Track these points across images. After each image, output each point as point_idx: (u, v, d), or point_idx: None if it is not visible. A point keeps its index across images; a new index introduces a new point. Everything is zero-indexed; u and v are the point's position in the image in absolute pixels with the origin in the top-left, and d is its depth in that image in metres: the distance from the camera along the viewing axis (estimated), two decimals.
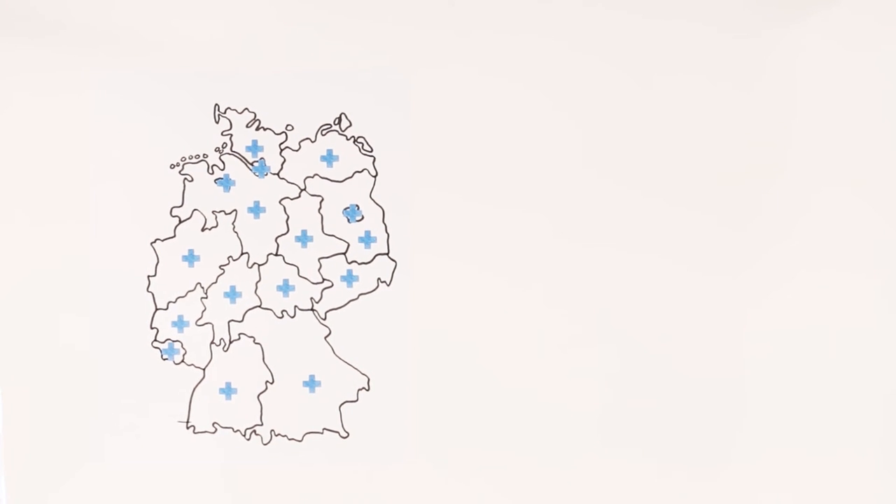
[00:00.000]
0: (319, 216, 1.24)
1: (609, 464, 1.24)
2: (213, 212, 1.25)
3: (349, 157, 1.24)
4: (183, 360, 1.26)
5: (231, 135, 1.24)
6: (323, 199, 1.24)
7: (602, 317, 1.23)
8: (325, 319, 1.25)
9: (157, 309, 1.25)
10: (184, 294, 1.25)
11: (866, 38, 1.21)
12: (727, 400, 1.23)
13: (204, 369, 1.26)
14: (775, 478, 1.23)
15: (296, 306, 1.25)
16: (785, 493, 1.23)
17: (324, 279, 1.25)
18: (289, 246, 1.24)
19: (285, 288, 1.25)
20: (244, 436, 1.26)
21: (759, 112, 1.22)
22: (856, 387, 1.22)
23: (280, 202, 1.24)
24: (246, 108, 1.24)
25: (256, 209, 1.24)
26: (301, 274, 1.25)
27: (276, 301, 1.25)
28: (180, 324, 1.25)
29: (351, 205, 1.24)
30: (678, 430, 1.23)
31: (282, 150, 1.24)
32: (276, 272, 1.25)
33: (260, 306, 1.25)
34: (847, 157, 1.21)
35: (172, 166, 1.24)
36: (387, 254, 1.24)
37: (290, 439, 1.26)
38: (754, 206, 1.22)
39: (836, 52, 1.21)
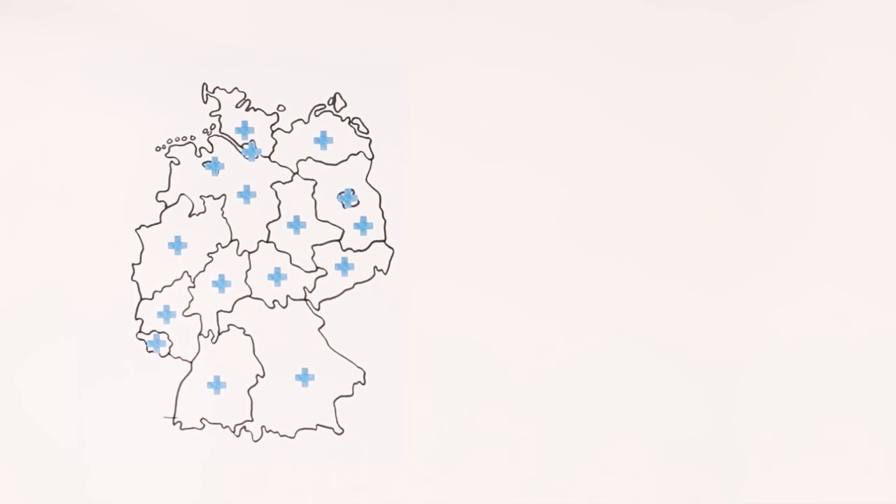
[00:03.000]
0: (313, 201, 1.21)
1: (609, 462, 1.22)
2: (200, 196, 1.22)
3: (344, 138, 1.21)
4: (169, 353, 1.23)
5: (220, 115, 1.21)
6: (316, 184, 1.21)
7: (604, 307, 1.21)
8: (318, 310, 1.22)
9: (141, 299, 1.22)
10: (170, 283, 1.22)
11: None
12: (737, 402, 1.21)
13: (191, 362, 1.23)
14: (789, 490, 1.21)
15: (288, 296, 1.22)
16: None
17: (317, 267, 1.22)
18: (280, 232, 1.21)
19: (277, 276, 1.22)
20: (234, 432, 1.23)
21: (779, 106, 1.19)
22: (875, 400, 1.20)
23: (271, 186, 1.21)
24: (235, 88, 1.21)
25: (246, 194, 1.21)
26: (293, 262, 1.22)
27: (268, 290, 1.22)
28: (166, 314, 1.22)
29: (346, 189, 1.21)
30: (681, 425, 1.21)
31: (273, 132, 1.21)
32: (267, 260, 1.22)
33: (250, 296, 1.22)
34: (878, 155, 1.18)
35: (158, 149, 1.21)
36: (383, 241, 1.21)
37: (281, 436, 1.23)
38: (772, 209, 1.19)
39: (860, 37, 1.18)
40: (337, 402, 1.23)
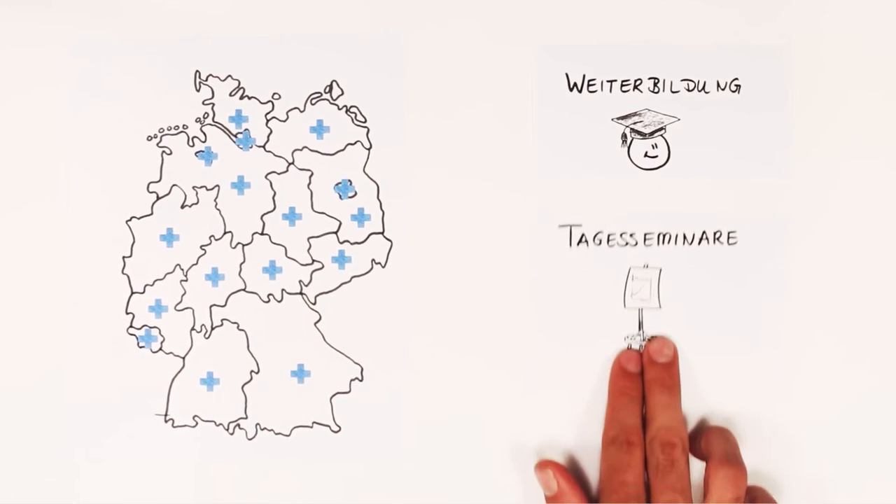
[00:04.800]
0: (309, 192, 1.19)
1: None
2: (193, 187, 1.19)
3: (341, 128, 1.18)
4: (161, 348, 1.20)
5: (213, 104, 1.18)
6: (312, 174, 1.19)
7: (606, 304, 1.18)
8: (314, 304, 1.19)
9: (132, 293, 1.20)
10: (162, 276, 1.20)
11: None
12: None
13: (183, 358, 1.20)
14: None
15: (283, 290, 1.19)
16: None
17: (313, 260, 1.19)
18: (275, 224, 1.19)
19: (272, 270, 1.19)
20: (227, 430, 1.21)
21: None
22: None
23: (266, 177, 1.19)
24: (229, 75, 1.18)
25: (240, 184, 1.19)
26: (289, 255, 1.19)
27: (262, 284, 1.19)
28: (158, 309, 1.20)
29: (343, 180, 1.18)
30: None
31: (268, 121, 1.18)
32: (261, 253, 1.19)
33: (244, 290, 1.20)
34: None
35: (149, 138, 1.19)
36: (382, 233, 1.19)
37: (276, 434, 1.21)
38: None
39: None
40: (334, 399, 1.20)
